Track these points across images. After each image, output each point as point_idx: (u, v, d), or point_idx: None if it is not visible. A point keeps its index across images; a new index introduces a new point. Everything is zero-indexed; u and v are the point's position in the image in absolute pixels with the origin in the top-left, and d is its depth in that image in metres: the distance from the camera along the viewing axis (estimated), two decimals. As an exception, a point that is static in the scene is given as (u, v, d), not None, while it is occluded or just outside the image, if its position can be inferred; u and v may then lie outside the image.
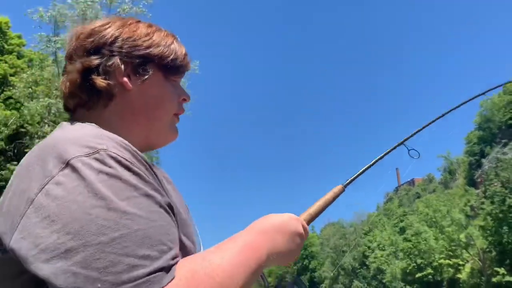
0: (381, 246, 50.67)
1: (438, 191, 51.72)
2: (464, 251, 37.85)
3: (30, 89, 15.99)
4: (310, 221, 1.09)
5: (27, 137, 16.87)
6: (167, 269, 0.65)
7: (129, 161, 0.71)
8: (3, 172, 16.35)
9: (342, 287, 55.68)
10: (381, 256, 49.30)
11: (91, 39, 0.91)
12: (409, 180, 69.69)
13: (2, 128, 16.72)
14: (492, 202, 32.62)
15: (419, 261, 40.52)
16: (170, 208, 0.75)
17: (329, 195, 1.14)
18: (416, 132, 1.40)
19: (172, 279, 0.64)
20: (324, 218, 64.35)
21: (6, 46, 21.60)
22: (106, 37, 0.91)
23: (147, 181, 0.72)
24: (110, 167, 0.69)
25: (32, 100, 15.55)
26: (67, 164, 0.68)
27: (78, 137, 0.74)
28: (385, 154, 1.34)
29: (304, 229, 0.95)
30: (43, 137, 15.03)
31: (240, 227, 0.85)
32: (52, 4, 15.50)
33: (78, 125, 0.83)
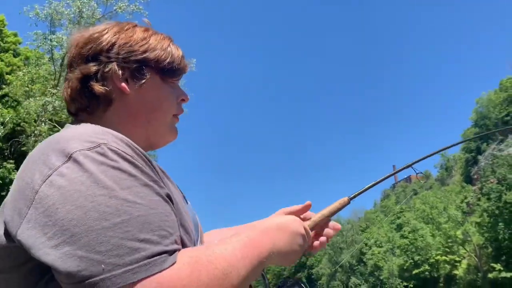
0: (378, 242, 50.84)
1: (435, 188, 51.92)
2: (460, 247, 38.05)
3: (26, 87, 15.92)
4: (313, 227, 1.11)
5: (24, 136, 16.82)
6: (169, 253, 0.68)
7: (129, 155, 0.75)
8: (-1, 170, 16.26)
9: (340, 284, 55.85)
10: (378, 253, 49.48)
11: (89, 47, 0.94)
12: (406, 177, 69.95)
13: (-1, 127, 16.65)
14: (489, 199, 32.78)
15: (416, 257, 40.70)
16: (169, 199, 0.78)
17: (334, 206, 1.16)
18: (425, 157, 1.43)
19: (173, 263, 0.67)
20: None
21: (2, 44, 21.50)
22: (103, 44, 0.94)
23: (146, 173, 0.75)
24: (111, 159, 0.72)
25: (28, 99, 15.49)
26: (70, 157, 0.71)
27: (81, 133, 0.77)
28: (393, 174, 1.36)
29: (307, 232, 0.97)
30: (40, 135, 15.04)
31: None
32: (48, 2, 15.45)
33: (81, 125, 0.86)
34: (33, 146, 12.65)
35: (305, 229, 0.96)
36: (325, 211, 1.15)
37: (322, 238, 1.11)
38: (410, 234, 41.08)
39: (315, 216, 1.14)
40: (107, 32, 0.95)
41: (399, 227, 47.11)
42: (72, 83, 0.94)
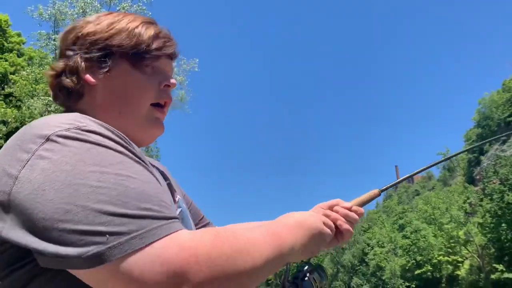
0: (380, 243, 50.77)
1: (437, 188, 51.80)
2: (463, 248, 37.95)
3: (31, 87, 16.01)
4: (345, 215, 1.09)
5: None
6: (174, 219, 0.63)
7: (112, 136, 0.70)
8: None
9: (342, 284, 55.79)
10: (381, 253, 49.41)
11: (61, 44, 0.95)
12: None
13: (1, 126, 16.76)
14: (491, 199, 32.67)
15: (418, 258, 40.63)
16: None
17: (365, 196, 1.15)
18: (461, 152, 1.51)
19: (180, 230, 0.63)
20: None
21: (6, 44, 21.62)
22: (69, 38, 0.93)
23: (133, 152, 0.71)
24: (94, 138, 0.67)
25: (32, 98, 15.58)
26: (47, 139, 0.65)
27: (56, 118, 0.71)
28: (428, 167, 1.35)
29: (327, 225, 0.94)
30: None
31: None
32: (51, 2, 15.54)
33: (57, 114, 0.82)
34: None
35: (325, 223, 0.93)
36: (356, 201, 1.14)
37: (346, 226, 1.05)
38: (412, 235, 41.00)
39: (346, 204, 1.09)
40: (75, 27, 0.94)
41: (401, 228, 47.04)
42: (49, 80, 0.94)
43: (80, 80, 0.90)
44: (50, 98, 15.19)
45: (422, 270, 40.25)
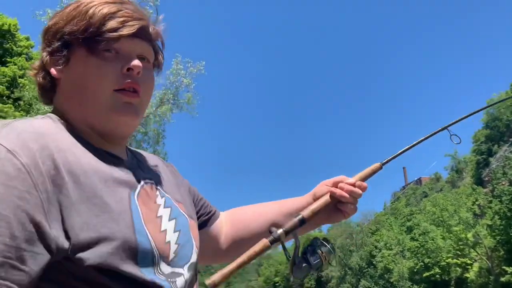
0: (388, 245, 50.49)
1: (445, 190, 51.46)
2: (471, 250, 37.62)
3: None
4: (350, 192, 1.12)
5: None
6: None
7: (12, 158, 0.69)
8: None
9: (350, 286, 55.53)
10: (388, 256, 49.13)
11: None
12: (416, 179, 69.39)
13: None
14: (500, 201, 32.38)
15: (426, 260, 40.32)
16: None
17: (367, 171, 1.16)
18: (461, 119, 1.37)
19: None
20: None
21: (14, 48, 21.83)
22: (42, 36, 0.92)
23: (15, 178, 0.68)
24: None
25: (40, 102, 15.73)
26: None
27: (11, 129, 0.75)
28: (428, 137, 1.31)
29: (331, 194, 1.09)
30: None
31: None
32: (59, 6, 15.67)
33: (35, 118, 0.85)
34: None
35: (331, 192, 1.09)
36: (358, 176, 1.15)
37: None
38: (420, 237, 40.70)
39: (349, 180, 1.12)
40: (49, 19, 0.92)
41: (409, 230, 46.75)
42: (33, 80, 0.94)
43: (48, 76, 0.89)
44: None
45: (430, 273, 39.92)
